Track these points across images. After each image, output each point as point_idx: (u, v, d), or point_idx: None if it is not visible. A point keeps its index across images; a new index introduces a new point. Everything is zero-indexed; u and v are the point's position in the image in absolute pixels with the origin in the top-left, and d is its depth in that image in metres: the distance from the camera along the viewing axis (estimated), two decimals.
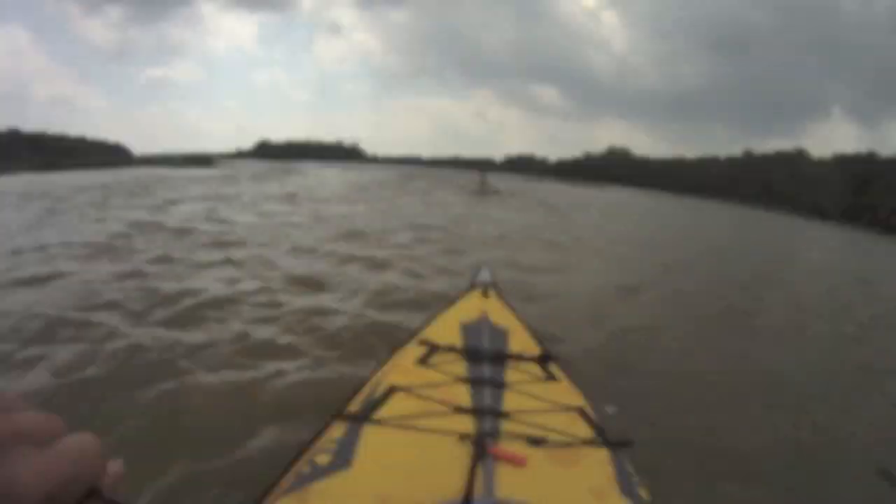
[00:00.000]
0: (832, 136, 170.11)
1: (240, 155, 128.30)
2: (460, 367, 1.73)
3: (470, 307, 2.36)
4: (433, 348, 1.85)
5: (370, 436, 1.31)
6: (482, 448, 1.22)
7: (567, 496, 1.17)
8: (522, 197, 25.43)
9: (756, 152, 73.35)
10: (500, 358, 1.80)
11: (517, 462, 1.20)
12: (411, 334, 2.07)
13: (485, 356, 1.80)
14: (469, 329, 2.09)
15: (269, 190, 18.59)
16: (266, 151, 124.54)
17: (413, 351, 1.87)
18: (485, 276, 2.88)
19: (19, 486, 0.29)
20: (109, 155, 60.14)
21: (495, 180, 31.37)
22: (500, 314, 2.30)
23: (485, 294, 2.56)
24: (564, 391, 1.70)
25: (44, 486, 0.30)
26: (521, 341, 2.04)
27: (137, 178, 20.68)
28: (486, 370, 1.71)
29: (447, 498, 1.06)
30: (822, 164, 60.67)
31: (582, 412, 1.54)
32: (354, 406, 1.52)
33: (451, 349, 1.85)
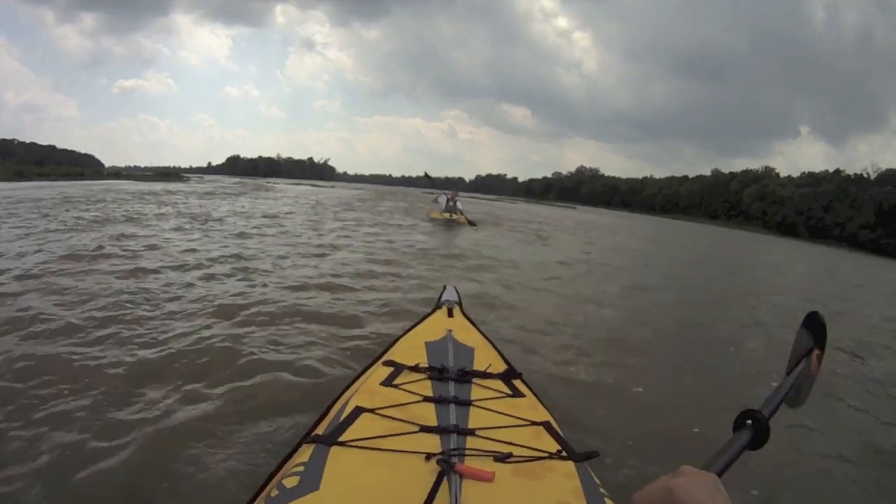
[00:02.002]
0: (800, 155, 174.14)
1: (211, 169, 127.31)
2: (426, 387, 1.73)
3: (435, 326, 2.36)
4: (398, 368, 1.86)
5: (337, 458, 1.31)
6: (449, 466, 1.23)
7: None
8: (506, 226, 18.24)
9: (724, 171, 74.62)
10: (466, 376, 1.82)
11: (484, 478, 1.21)
12: (377, 355, 2.06)
13: (450, 375, 1.81)
14: (434, 348, 2.07)
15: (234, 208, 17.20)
16: (237, 167, 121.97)
17: (378, 372, 1.86)
18: (450, 295, 2.85)
19: None
20: (80, 166, 58.66)
21: (467, 204, 20.77)
22: (465, 333, 2.30)
23: (450, 313, 2.57)
24: (529, 407, 1.71)
25: None
26: (486, 359, 2.03)
27: (97, 192, 18.53)
28: (452, 388, 1.73)
29: None
30: (790, 182, 61.74)
31: (547, 427, 1.56)
32: (321, 429, 1.51)
33: (416, 369, 1.86)
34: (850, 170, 58.49)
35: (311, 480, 1.19)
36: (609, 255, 12.85)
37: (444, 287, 3.01)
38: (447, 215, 15.99)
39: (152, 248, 7.23)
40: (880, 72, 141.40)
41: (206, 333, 3.68)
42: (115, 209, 12.78)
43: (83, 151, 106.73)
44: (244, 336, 3.70)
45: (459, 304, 2.72)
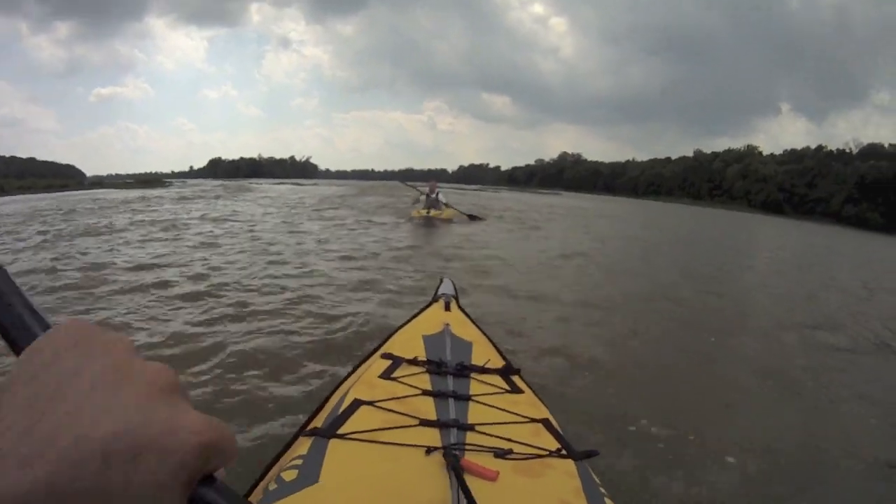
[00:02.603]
0: (782, 133, 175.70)
1: (193, 173, 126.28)
2: (424, 380, 1.69)
3: (432, 319, 2.30)
4: (396, 361, 1.82)
5: (336, 450, 1.29)
6: (455, 461, 1.20)
7: None
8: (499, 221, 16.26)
9: (706, 151, 74.98)
10: (464, 370, 1.79)
11: (489, 477, 1.18)
12: (374, 348, 2.01)
13: (448, 369, 1.77)
14: (432, 341, 2.04)
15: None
16: (219, 170, 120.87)
17: (376, 364, 1.82)
18: (447, 288, 2.77)
19: (183, 431, 0.30)
20: (61, 177, 57.81)
21: (450, 196, 17.69)
22: (462, 327, 2.25)
23: (447, 307, 2.49)
24: (528, 403, 1.69)
25: (199, 439, 0.31)
26: (484, 354, 1.98)
27: (72, 203, 17.89)
28: (450, 383, 1.69)
29: None
30: (772, 160, 62.11)
31: (546, 424, 1.54)
32: (319, 421, 1.50)
33: (414, 362, 1.82)
34: (832, 146, 59.02)
35: (310, 473, 1.18)
36: (611, 245, 12.33)
37: (441, 280, 2.93)
38: (425, 212, 13.76)
39: (101, 267, 6.46)
40: (858, 48, 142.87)
41: None
42: (84, 221, 11.95)
43: (64, 162, 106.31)
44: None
45: (456, 297, 2.65)
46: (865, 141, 56.25)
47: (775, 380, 4.12)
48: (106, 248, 8.09)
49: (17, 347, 0.37)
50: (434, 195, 14.22)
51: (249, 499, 1.12)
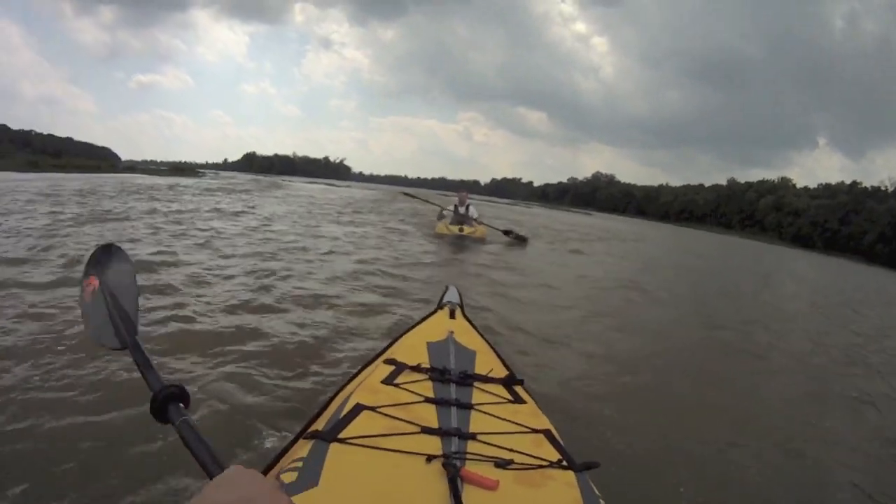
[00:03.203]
0: (817, 167, 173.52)
1: (227, 166, 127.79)
2: (427, 387, 1.72)
3: (436, 327, 2.33)
4: (399, 367, 1.84)
5: (337, 455, 1.29)
6: (455, 470, 1.22)
7: None
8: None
9: (740, 181, 74.10)
10: (467, 379, 1.80)
11: (488, 487, 1.20)
12: (378, 353, 2.04)
13: (451, 377, 1.79)
14: (436, 349, 2.06)
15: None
16: (253, 164, 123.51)
17: (380, 369, 1.84)
18: (452, 296, 2.84)
19: None
20: (96, 158, 58.76)
21: (483, 209, 14.72)
22: (466, 335, 2.28)
23: (451, 314, 2.55)
24: (530, 414, 1.70)
25: None
26: (487, 363, 2.01)
27: (100, 185, 17.49)
28: (453, 391, 1.71)
29: None
30: (806, 193, 61.25)
31: (548, 435, 1.55)
32: (320, 424, 1.49)
33: (417, 369, 1.84)
34: (867, 182, 57.77)
35: (310, 476, 1.19)
36: (664, 276, 11.18)
37: (447, 288, 2.98)
38: (456, 229, 10.82)
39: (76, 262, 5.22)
40: None
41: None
42: (100, 206, 11.18)
43: (100, 144, 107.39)
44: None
45: (461, 305, 2.71)
46: None
47: None
48: (97, 239, 6.92)
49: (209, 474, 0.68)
50: (464, 208, 11.27)
51: None
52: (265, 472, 1.34)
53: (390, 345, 2.14)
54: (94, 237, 6.97)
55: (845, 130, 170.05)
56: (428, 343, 2.11)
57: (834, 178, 67.45)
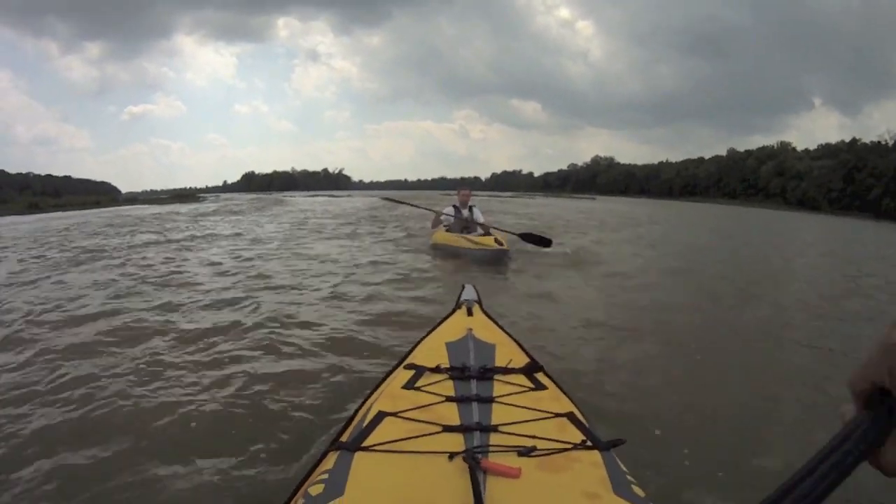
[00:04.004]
0: (815, 128, 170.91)
1: (227, 188, 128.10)
2: (447, 387, 1.70)
3: (455, 326, 2.31)
4: (420, 371, 1.83)
5: (361, 463, 1.30)
6: (475, 463, 1.21)
7: (560, 502, 1.17)
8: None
9: (740, 150, 74.20)
10: (487, 373, 1.78)
11: (510, 475, 1.19)
12: (398, 360, 2.04)
13: (471, 373, 1.77)
14: (454, 348, 2.03)
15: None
16: (253, 183, 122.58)
17: (400, 376, 1.85)
18: (469, 294, 2.78)
19: None
20: (96, 194, 59.07)
21: (487, 205, 15.86)
22: (485, 330, 2.25)
23: (469, 312, 2.51)
24: (552, 398, 1.69)
25: None
26: (507, 354, 1.98)
27: (92, 221, 17.76)
28: (474, 386, 1.69)
29: None
30: (807, 155, 60.92)
31: (571, 417, 1.53)
32: (346, 436, 1.52)
33: (437, 370, 1.83)
34: (867, 138, 57.07)
35: (335, 487, 1.20)
36: (702, 264, 9.55)
37: (463, 286, 2.95)
38: (461, 240, 8.11)
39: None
40: (888, 35, 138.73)
41: None
42: (79, 244, 10.91)
43: (99, 179, 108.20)
44: None
45: (479, 301, 2.68)
46: None
47: None
48: (55, 281, 6.71)
49: None
50: (467, 210, 8.68)
51: None
52: (297, 488, 1.37)
53: (410, 351, 2.13)
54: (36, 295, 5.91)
55: (839, 88, 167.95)
56: (447, 343, 2.09)
57: (833, 138, 66.60)
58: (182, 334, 4.23)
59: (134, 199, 46.48)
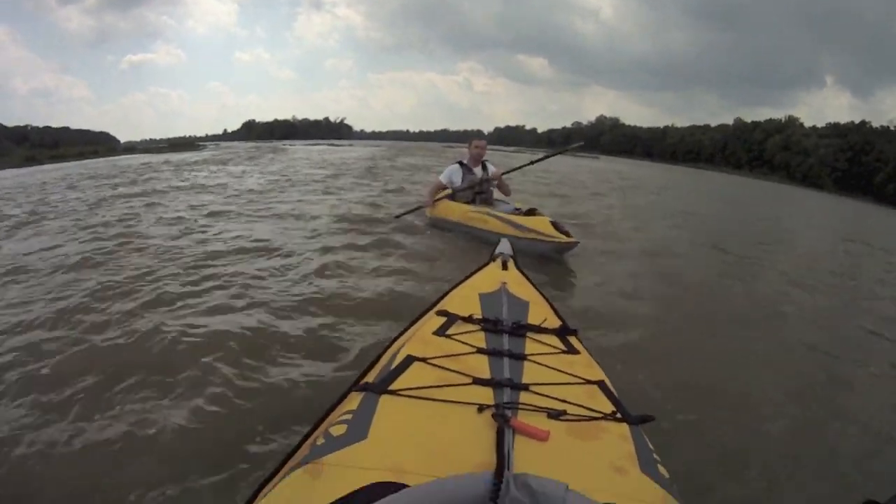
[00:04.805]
0: (825, 106, 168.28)
1: (227, 136, 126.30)
2: (479, 338, 1.69)
3: (489, 278, 2.29)
4: (451, 319, 1.81)
5: (387, 406, 1.29)
6: (505, 420, 1.20)
7: (587, 471, 1.15)
8: None
9: (747, 121, 72.91)
10: (520, 329, 1.77)
11: (539, 437, 1.18)
12: (429, 304, 2.02)
13: (504, 327, 1.76)
14: (488, 300, 2.02)
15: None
16: (253, 132, 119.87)
17: (431, 321, 1.81)
18: (505, 248, 2.75)
19: None
20: (95, 144, 58.00)
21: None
22: (519, 286, 2.23)
23: (504, 266, 2.49)
24: (584, 364, 1.67)
25: None
26: (540, 313, 1.96)
27: (76, 173, 16.40)
28: (506, 342, 1.68)
29: (466, 469, 1.02)
30: (814, 132, 60.35)
31: (602, 386, 1.52)
32: (371, 377, 1.49)
33: (469, 320, 1.81)
34: (876, 122, 56.67)
35: (358, 429, 1.19)
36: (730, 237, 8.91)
37: (500, 239, 2.92)
38: (492, 219, 5.66)
39: None
40: None
41: None
42: (50, 197, 10.33)
43: (98, 130, 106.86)
44: None
45: (514, 257, 2.64)
46: None
47: None
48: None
49: None
50: (480, 169, 6.27)
51: (297, 454, 1.23)
52: (316, 425, 1.37)
53: (442, 297, 2.12)
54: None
55: (853, 69, 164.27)
56: (480, 294, 2.08)
57: (842, 118, 66.26)
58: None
59: (132, 148, 45.37)
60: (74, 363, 2.95)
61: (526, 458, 1.10)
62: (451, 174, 6.29)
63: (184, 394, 2.64)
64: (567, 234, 5.17)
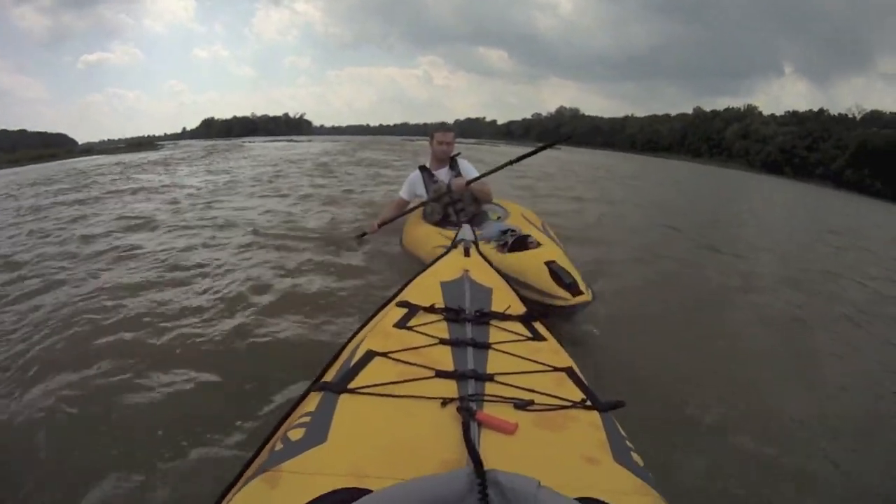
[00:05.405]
0: (783, 94, 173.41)
1: (186, 135, 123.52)
2: (441, 329, 1.64)
3: (451, 266, 2.24)
4: (413, 310, 1.76)
5: (347, 406, 1.24)
6: (470, 414, 1.16)
7: (558, 464, 1.12)
8: None
9: (707, 110, 74.61)
10: (483, 317, 1.72)
11: (506, 430, 1.15)
12: (390, 297, 1.92)
13: (467, 316, 1.71)
14: (450, 288, 1.97)
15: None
16: (212, 129, 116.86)
17: (392, 313, 1.75)
18: (466, 234, 2.68)
19: None
20: (52, 146, 56.37)
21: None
22: (482, 273, 2.19)
23: (466, 252, 2.45)
24: (551, 351, 1.62)
25: None
26: (504, 300, 1.93)
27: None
28: (469, 330, 1.63)
29: (431, 469, 1.01)
30: (773, 121, 61.98)
31: (570, 373, 1.48)
32: (330, 375, 1.44)
33: (431, 310, 1.76)
34: (834, 110, 58.68)
35: (317, 431, 1.12)
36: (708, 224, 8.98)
37: (461, 225, 2.88)
38: (447, 239, 3.33)
39: None
40: (865, 12, 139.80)
41: None
42: None
43: (55, 131, 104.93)
44: None
45: (476, 242, 2.60)
46: (869, 108, 55.63)
47: None
48: None
49: None
50: (447, 170, 4.71)
51: (255, 460, 1.16)
52: (275, 429, 1.30)
53: (403, 288, 2.03)
54: None
55: (812, 58, 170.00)
56: (442, 283, 2.02)
57: (801, 106, 68.41)
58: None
59: (90, 150, 44.23)
60: None
61: (493, 453, 1.04)
62: (413, 185, 4.74)
63: None
64: (573, 287, 3.07)
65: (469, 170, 4.67)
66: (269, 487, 1.00)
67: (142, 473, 1.95)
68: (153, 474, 1.95)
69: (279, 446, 1.11)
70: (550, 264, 3.15)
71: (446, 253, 2.45)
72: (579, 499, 0.98)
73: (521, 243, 3.43)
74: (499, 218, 4.39)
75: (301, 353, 2.89)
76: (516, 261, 3.26)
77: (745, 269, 5.81)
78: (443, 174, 4.67)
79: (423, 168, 4.78)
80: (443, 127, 4.85)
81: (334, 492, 0.96)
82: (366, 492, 0.92)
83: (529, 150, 4.73)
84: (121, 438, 2.17)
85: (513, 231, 3.62)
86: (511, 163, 4.60)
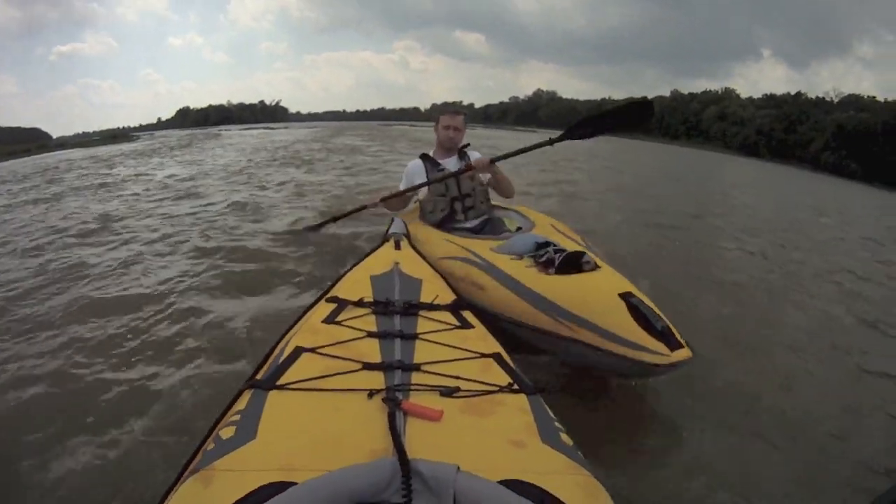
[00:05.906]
0: (761, 78, 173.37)
1: (162, 125, 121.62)
2: (370, 322, 1.65)
3: (381, 259, 2.24)
4: (342, 305, 1.76)
5: (275, 403, 1.24)
6: (395, 403, 1.17)
7: (483, 448, 1.12)
8: None
9: (684, 92, 74.75)
10: (412, 308, 1.74)
11: (432, 417, 1.15)
12: (321, 293, 1.92)
13: (395, 308, 1.73)
14: (379, 281, 1.98)
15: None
16: (188, 119, 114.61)
17: (321, 309, 1.77)
18: (398, 227, 2.71)
19: None
20: (26, 141, 55.02)
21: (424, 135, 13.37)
22: (412, 265, 2.19)
23: (397, 245, 2.44)
24: (478, 338, 1.63)
25: None
26: (433, 290, 1.94)
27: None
28: (397, 322, 1.65)
29: (359, 459, 1.00)
30: (751, 103, 62.36)
31: (497, 358, 1.49)
32: (261, 374, 1.43)
33: (360, 304, 1.77)
34: (812, 94, 58.99)
35: (247, 429, 1.13)
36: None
37: (392, 220, 2.88)
38: (473, 257, 2.71)
39: None
40: None
41: None
42: None
43: (29, 126, 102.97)
44: None
45: (407, 235, 2.62)
46: (846, 91, 56.28)
47: None
48: None
49: None
50: (456, 158, 3.75)
51: (191, 462, 1.13)
52: (211, 430, 1.26)
53: (333, 284, 2.03)
54: None
55: (790, 42, 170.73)
56: (371, 277, 2.03)
57: (779, 90, 68.85)
58: None
59: (64, 143, 43.13)
60: None
61: (419, 441, 1.05)
62: (413, 175, 3.80)
63: None
64: (668, 336, 2.14)
65: (478, 156, 3.76)
66: (203, 486, 0.99)
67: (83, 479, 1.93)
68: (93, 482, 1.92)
69: (211, 446, 1.11)
70: (629, 297, 2.22)
71: (378, 248, 2.45)
72: (503, 481, 0.97)
73: (572, 262, 2.48)
74: (519, 228, 3.45)
75: (251, 352, 2.80)
76: (576, 288, 2.34)
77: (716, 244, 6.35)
78: (450, 164, 3.73)
79: (424, 156, 3.85)
80: (451, 108, 3.91)
81: (263, 487, 0.96)
82: (293, 485, 0.93)
83: (561, 133, 3.70)
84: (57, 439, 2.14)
85: (554, 245, 2.65)
86: (552, 142, 3.64)
